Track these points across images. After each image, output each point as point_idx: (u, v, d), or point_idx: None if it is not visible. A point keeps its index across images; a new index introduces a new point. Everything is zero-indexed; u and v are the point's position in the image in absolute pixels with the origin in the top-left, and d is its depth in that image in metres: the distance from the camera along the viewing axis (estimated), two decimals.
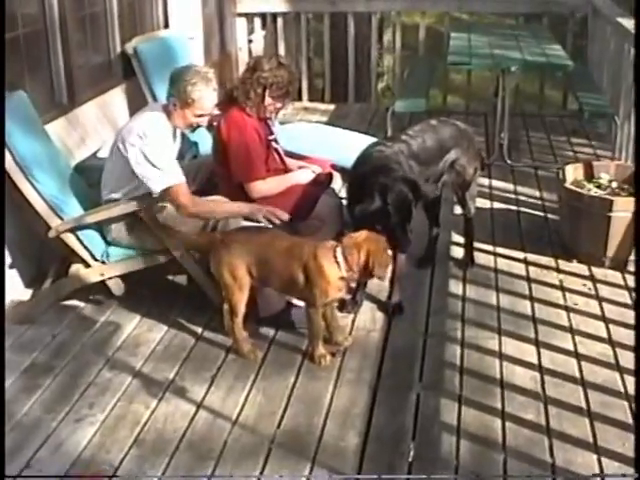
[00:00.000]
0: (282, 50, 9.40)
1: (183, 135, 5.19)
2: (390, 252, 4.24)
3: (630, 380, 4.05)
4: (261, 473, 3.44)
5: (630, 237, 5.13)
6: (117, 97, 6.48)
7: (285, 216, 4.42)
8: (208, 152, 5.18)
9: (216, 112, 4.70)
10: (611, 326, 4.60)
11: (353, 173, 4.59)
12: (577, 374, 4.17)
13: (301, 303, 4.38)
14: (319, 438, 3.68)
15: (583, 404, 3.92)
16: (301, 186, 4.82)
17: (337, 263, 4.07)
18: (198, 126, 4.62)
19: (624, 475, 3.30)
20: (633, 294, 4.94)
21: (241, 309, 4.25)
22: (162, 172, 4.40)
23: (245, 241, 4.23)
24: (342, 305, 4.73)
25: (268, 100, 4.67)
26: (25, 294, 4.97)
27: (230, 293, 4.22)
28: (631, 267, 5.21)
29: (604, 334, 4.54)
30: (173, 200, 4.45)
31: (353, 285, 4.63)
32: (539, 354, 4.34)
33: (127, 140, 4.45)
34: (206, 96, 4.47)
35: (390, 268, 4.53)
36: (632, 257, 5.21)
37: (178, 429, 3.75)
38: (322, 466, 3.49)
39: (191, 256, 4.62)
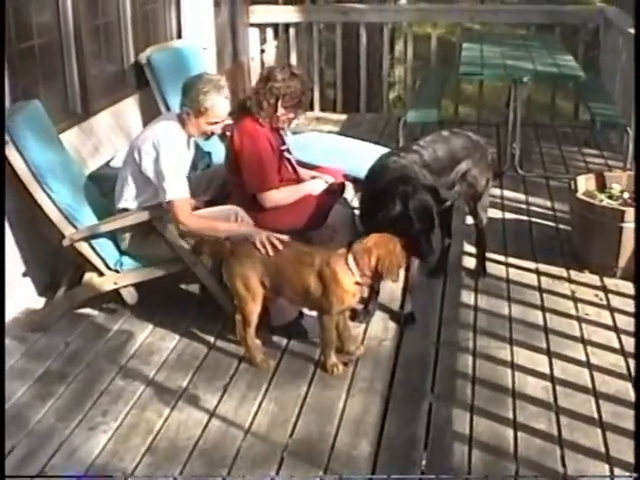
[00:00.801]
0: (294, 60, 9.44)
1: (196, 145, 5.22)
2: (405, 259, 4.23)
3: None
4: None
5: None
6: (131, 107, 6.51)
7: (284, 238, 4.36)
8: (221, 162, 5.21)
9: (229, 121, 4.72)
10: (623, 336, 4.60)
11: (368, 184, 4.59)
12: (589, 384, 4.17)
13: (313, 312, 4.38)
14: (331, 447, 3.69)
15: (595, 414, 3.92)
16: (314, 196, 4.83)
17: (350, 269, 4.09)
18: (212, 134, 4.65)
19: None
20: None
21: (254, 319, 4.27)
22: (169, 183, 4.43)
23: (255, 252, 4.24)
24: (354, 315, 4.75)
25: (281, 110, 4.69)
26: (39, 302, 4.99)
27: (243, 303, 4.24)
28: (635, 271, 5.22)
29: (616, 344, 4.54)
30: (172, 214, 4.47)
31: (366, 290, 4.64)
32: (551, 364, 4.34)
33: (142, 149, 4.49)
34: (219, 104, 4.51)
35: (402, 272, 4.55)
36: None
37: (191, 437, 3.76)
38: (334, 475, 3.49)
39: (204, 265, 4.64)
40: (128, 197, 4.62)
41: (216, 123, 4.57)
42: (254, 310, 4.24)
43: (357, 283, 4.13)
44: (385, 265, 4.07)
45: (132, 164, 4.56)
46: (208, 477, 3.46)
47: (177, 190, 4.46)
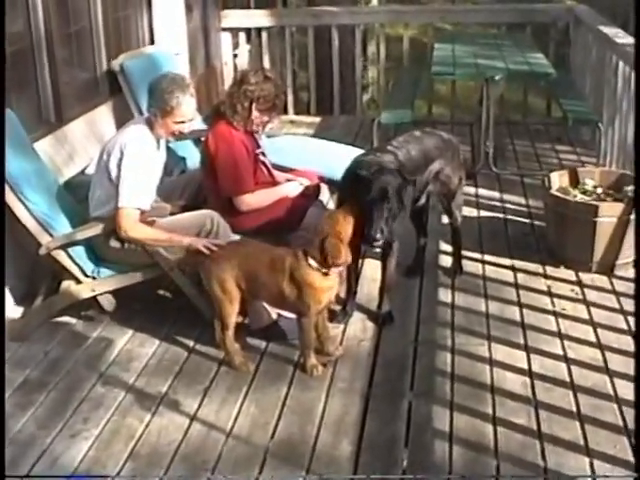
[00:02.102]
0: (267, 64, 9.43)
1: (170, 149, 5.23)
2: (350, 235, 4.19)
3: (620, 383, 4.10)
4: None
5: (616, 242, 5.20)
6: (104, 114, 6.50)
7: (221, 243, 4.42)
8: (196, 167, 5.22)
9: (200, 124, 4.73)
10: (599, 330, 4.64)
11: (343, 183, 4.59)
12: (567, 378, 4.20)
13: (291, 315, 4.40)
14: (313, 447, 3.70)
15: (574, 408, 3.96)
16: (289, 198, 4.86)
17: (311, 265, 4.11)
18: (181, 134, 4.65)
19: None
20: (621, 298, 4.99)
21: (232, 322, 4.28)
22: (124, 189, 4.44)
23: (231, 255, 4.26)
24: (333, 315, 4.76)
25: (255, 113, 4.71)
26: (16, 312, 4.97)
27: (221, 306, 4.25)
28: (618, 271, 5.26)
29: (593, 338, 4.58)
30: (116, 220, 4.47)
31: (341, 280, 4.63)
32: (529, 359, 4.37)
33: (110, 153, 4.51)
34: (184, 102, 4.53)
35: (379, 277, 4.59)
36: (619, 261, 5.26)
37: (172, 442, 3.76)
38: (316, 475, 3.50)
39: (181, 270, 4.65)
40: (99, 204, 4.62)
41: (183, 122, 4.58)
42: (232, 313, 4.26)
43: (326, 274, 4.15)
44: (330, 243, 4.07)
45: (102, 170, 4.57)
46: (193, 477, 3.46)
47: (130, 198, 4.46)
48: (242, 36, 9.73)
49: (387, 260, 4.73)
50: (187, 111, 4.56)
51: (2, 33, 4.68)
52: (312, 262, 4.11)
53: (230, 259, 4.23)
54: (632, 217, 5.14)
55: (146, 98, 4.68)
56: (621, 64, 6.82)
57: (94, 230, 4.60)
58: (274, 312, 4.57)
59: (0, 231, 4.55)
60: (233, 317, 4.28)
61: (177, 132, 4.63)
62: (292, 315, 4.36)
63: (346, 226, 4.11)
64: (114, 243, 4.62)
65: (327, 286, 4.18)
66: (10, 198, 4.52)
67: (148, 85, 4.61)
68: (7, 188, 4.50)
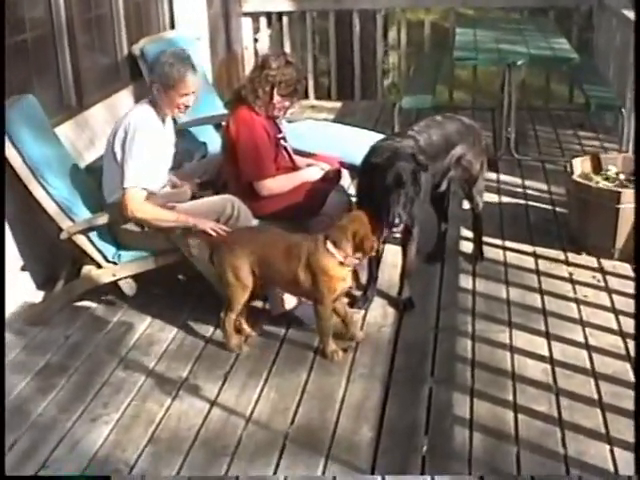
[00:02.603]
0: (288, 48, 9.42)
1: (191, 134, 5.23)
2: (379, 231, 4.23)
3: None
4: (276, 468, 3.47)
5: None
6: (125, 99, 6.50)
7: (227, 229, 4.45)
8: (217, 152, 5.21)
9: (221, 109, 4.71)
10: (621, 317, 4.61)
11: (363, 167, 4.57)
12: (588, 366, 4.18)
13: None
14: (333, 433, 3.70)
15: (595, 395, 3.93)
16: (310, 183, 4.84)
17: (331, 253, 4.11)
18: (187, 107, 4.64)
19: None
20: None
21: (238, 307, 4.31)
22: (129, 170, 4.45)
23: (247, 242, 4.26)
24: (353, 301, 4.76)
25: (276, 98, 4.69)
26: (37, 296, 5.00)
27: (230, 291, 4.26)
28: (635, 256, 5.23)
29: (614, 326, 4.55)
30: (123, 201, 4.48)
31: (360, 267, 4.64)
32: (550, 346, 4.35)
33: (116, 136, 4.53)
34: (186, 74, 4.53)
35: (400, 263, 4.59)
36: None
37: (192, 427, 3.77)
38: (336, 461, 3.51)
39: (202, 255, 4.65)
40: (112, 190, 4.62)
41: (187, 94, 4.57)
42: (240, 300, 4.28)
43: (341, 264, 4.14)
44: (360, 237, 4.10)
45: (109, 154, 4.59)
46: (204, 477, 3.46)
47: (135, 179, 4.46)
48: (263, 21, 9.72)
49: (407, 246, 4.72)
50: (190, 83, 4.56)
51: (2, 33, 4.67)
52: (331, 248, 4.11)
53: (245, 246, 4.22)
54: None
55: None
56: None
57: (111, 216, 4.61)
58: (294, 298, 4.57)
59: (0, 229, 4.58)
60: (240, 303, 4.30)
61: (182, 106, 4.61)
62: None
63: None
64: (133, 227, 4.63)
65: (341, 275, 4.18)
66: (31, 183, 4.54)
67: (149, 62, 4.61)
68: (28, 173, 4.52)
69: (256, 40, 9.61)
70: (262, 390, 4.05)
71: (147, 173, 4.50)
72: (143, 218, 4.53)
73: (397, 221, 4.22)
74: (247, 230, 4.46)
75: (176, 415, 3.87)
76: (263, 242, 4.27)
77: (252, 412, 3.87)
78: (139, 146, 4.47)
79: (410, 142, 4.58)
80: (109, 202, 4.65)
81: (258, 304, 4.72)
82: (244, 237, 4.32)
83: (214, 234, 4.39)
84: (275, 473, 3.44)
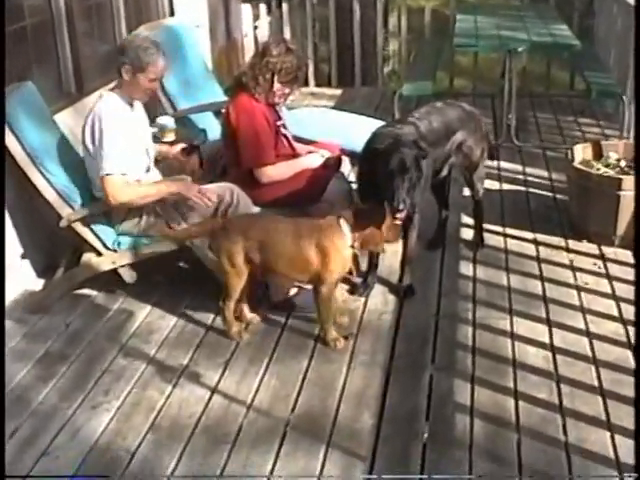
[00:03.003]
0: (288, 36, 9.39)
1: (191, 121, 5.21)
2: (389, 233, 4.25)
3: None
4: (277, 456, 3.47)
5: None
6: None
7: (214, 198, 4.49)
8: (216, 139, 5.20)
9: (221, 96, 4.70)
10: (622, 304, 4.61)
11: (364, 154, 4.57)
12: (589, 353, 4.18)
13: (308, 286, 4.39)
14: (334, 420, 3.70)
15: (595, 382, 3.93)
16: (310, 170, 4.83)
17: (344, 234, 4.13)
18: (153, 92, 4.68)
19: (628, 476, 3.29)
20: None
21: (235, 294, 4.29)
22: (104, 159, 4.43)
23: (246, 228, 4.25)
24: (353, 288, 4.76)
25: (277, 85, 4.68)
26: (38, 284, 4.99)
27: (227, 278, 4.25)
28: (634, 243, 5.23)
29: (615, 312, 4.55)
30: (103, 189, 4.47)
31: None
32: (551, 333, 4.35)
33: (86, 130, 4.52)
34: (158, 59, 4.53)
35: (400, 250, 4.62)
36: None
37: (193, 414, 3.77)
38: (337, 448, 3.51)
39: (202, 243, 4.64)
40: (95, 183, 4.61)
41: (155, 80, 4.58)
42: (237, 286, 4.26)
43: (351, 246, 4.17)
44: (370, 236, 4.15)
45: (84, 150, 4.60)
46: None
47: (110, 165, 4.45)
48: (263, 8, 9.69)
49: (408, 233, 4.71)
50: (160, 67, 4.56)
51: (2, 32, 4.66)
52: (345, 228, 4.13)
53: (244, 232, 4.21)
54: None
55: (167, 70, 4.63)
56: None
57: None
58: (295, 286, 4.56)
59: (0, 218, 4.57)
60: (237, 290, 4.29)
61: (150, 91, 4.63)
62: (309, 287, 4.36)
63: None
64: (131, 216, 4.63)
65: (348, 257, 4.19)
66: (30, 170, 4.52)
67: (119, 45, 4.61)
68: (28, 160, 4.51)
69: (256, 27, 9.58)
70: (263, 377, 4.05)
71: (121, 159, 4.48)
72: (127, 201, 4.51)
73: (402, 206, 4.22)
74: (246, 217, 4.45)
75: (177, 403, 3.87)
76: (265, 227, 4.25)
77: (253, 399, 3.87)
78: (108, 135, 4.45)
79: (411, 129, 4.58)
80: (98, 197, 4.63)
81: (258, 291, 4.71)
82: (243, 223, 4.31)
83: (199, 202, 4.41)
84: (276, 460, 3.44)
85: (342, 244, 4.14)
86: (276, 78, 4.66)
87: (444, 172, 4.99)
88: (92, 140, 4.48)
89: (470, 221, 5.54)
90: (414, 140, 4.38)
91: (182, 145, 5.06)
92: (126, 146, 4.51)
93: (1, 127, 4.43)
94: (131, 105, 4.65)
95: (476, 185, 5.21)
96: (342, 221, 4.14)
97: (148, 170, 4.75)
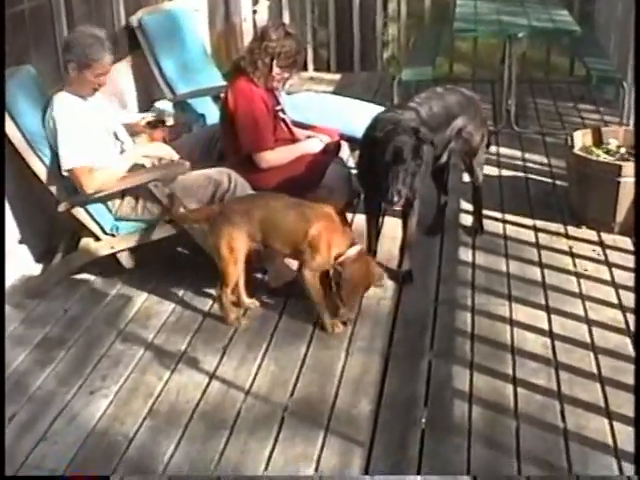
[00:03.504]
0: (286, 20, 9.37)
1: (189, 106, 5.19)
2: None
3: None
4: (275, 441, 3.46)
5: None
6: (123, 70, 6.45)
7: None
8: (211, 124, 5.20)
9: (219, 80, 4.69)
10: (621, 291, 4.60)
11: (364, 140, 4.55)
12: (588, 339, 4.17)
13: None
14: (332, 406, 3.70)
15: (594, 369, 3.93)
16: (310, 155, 4.82)
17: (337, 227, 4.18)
18: (100, 86, 4.61)
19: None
20: None
21: (233, 280, 4.29)
22: (64, 152, 4.44)
23: (246, 208, 4.24)
24: None
25: (276, 70, 4.66)
26: (36, 269, 4.98)
27: (224, 264, 4.24)
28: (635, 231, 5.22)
29: (614, 299, 4.54)
30: (76, 182, 4.48)
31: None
32: (549, 320, 4.34)
33: (46, 132, 4.51)
34: (104, 55, 4.51)
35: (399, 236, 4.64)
36: None
37: (191, 400, 3.77)
38: (335, 434, 3.51)
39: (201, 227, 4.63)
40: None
41: (101, 74, 4.55)
42: (234, 272, 4.26)
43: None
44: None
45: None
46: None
47: (73, 159, 4.45)
48: None
49: (408, 219, 4.70)
50: (106, 63, 4.54)
51: (2, 33, 4.63)
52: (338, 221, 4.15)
53: (245, 213, 4.20)
54: None
55: (165, 54, 4.66)
56: None
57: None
58: (293, 271, 4.55)
59: (0, 231, 4.56)
60: (235, 276, 4.28)
61: (97, 85, 4.59)
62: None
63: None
64: (129, 200, 4.62)
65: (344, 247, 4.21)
66: (28, 155, 4.50)
67: (64, 41, 4.58)
68: (25, 145, 4.48)
69: (255, 12, 9.54)
70: (261, 363, 4.04)
71: (81, 151, 4.46)
72: (100, 187, 4.50)
73: (396, 199, 4.24)
74: (243, 198, 4.44)
75: (175, 388, 3.86)
76: (265, 203, 4.26)
77: (251, 385, 3.87)
78: (62, 132, 4.44)
79: (412, 114, 4.56)
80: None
81: (257, 276, 4.70)
82: (241, 204, 4.29)
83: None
84: (274, 446, 3.44)
85: (337, 235, 4.15)
86: (275, 62, 4.64)
87: (444, 158, 4.97)
88: (54, 140, 4.47)
89: (469, 207, 5.53)
90: (413, 127, 4.36)
91: (148, 118, 5.05)
92: (85, 137, 4.50)
93: (1, 114, 4.40)
94: (83, 98, 4.62)
95: (476, 171, 5.20)
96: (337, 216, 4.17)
97: (122, 151, 4.77)
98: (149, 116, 5.23)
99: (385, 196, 4.23)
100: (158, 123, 5.06)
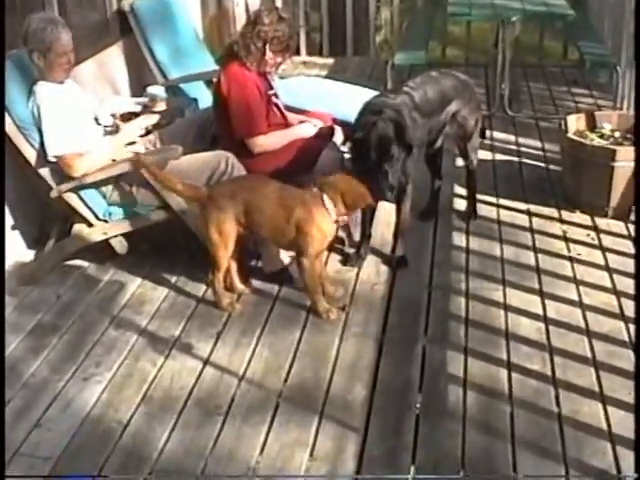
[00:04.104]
0: (279, 4, 9.32)
1: (182, 91, 5.17)
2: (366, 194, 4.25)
3: (635, 329, 4.06)
4: (269, 428, 3.46)
5: (633, 187, 5.12)
6: (115, 55, 6.42)
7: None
8: (206, 108, 5.18)
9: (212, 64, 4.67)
10: (615, 276, 4.61)
11: (356, 125, 4.54)
12: (582, 324, 4.17)
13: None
14: (326, 392, 3.69)
15: (588, 354, 3.93)
16: (303, 140, 4.80)
17: (327, 209, 4.12)
18: (70, 68, 4.60)
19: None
20: (637, 244, 4.94)
21: (224, 265, 4.28)
22: (48, 139, 4.44)
23: (234, 192, 4.22)
24: (346, 259, 4.75)
25: (269, 54, 4.63)
26: (28, 255, 4.97)
27: (215, 248, 4.23)
28: (634, 217, 5.21)
29: (608, 284, 4.54)
30: (64, 168, 4.48)
31: (352, 225, 4.74)
32: (544, 305, 4.34)
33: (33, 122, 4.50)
34: (60, 33, 4.48)
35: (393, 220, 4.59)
36: (635, 207, 5.19)
37: (185, 386, 3.76)
38: (330, 419, 3.50)
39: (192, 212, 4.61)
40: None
41: (65, 53, 4.52)
42: (225, 256, 4.25)
43: (335, 222, 4.16)
44: (350, 197, 4.14)
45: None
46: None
47: (59, 145, 4.45)
48: None
49: (402, 203, 4.69)
50: (65, 42, 4.51)
51: (2, 33, 4.60)
52: (328, 205, 4.10)
53: (231, 196, 4.18)
54: None
55: (157, 38, 4.63)
56: None
57: (105, 173, 4.57)
58: (287, 256, 4.55)
59: (0, 233, 4.54)
60: (226, 259, 4.27)
61: (66, 66, 4.56)
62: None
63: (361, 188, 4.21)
64: (122, 186, 4.60)
65: (331, 232, 4.19)
66: (20, 141, 4.49)
67: (22, 33, 4.53)
68: (16, 131, 4.47)
69: None
70: (255, 349, 4.03)
71: (68, 137, 4.46)
72: (88, 169, 4.50)
73: (389, 196, 4.33)
74: (232, 180, 4.43)
75: (169, 374, 3.86)
76: (251, 188, 4.24)
77: (245, 371, 3.86)
78: (48, 118, 4.43)
79: (405, 98, 4.54)
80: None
81: (250, 262, 4.70)
82: (230, 189, 4.27)
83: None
84: (268, 432, 3.43)
85: (322, 220, 4.13)
86: (268, 47, 4.61)
87: (438, 142, 4.96)
88: (39, 129, 4.46)
89: (463, 192, 5.52)
90: (394, 119, 4.34)
91: (126, 110, 5.04)
92: (69, 123, 4.49)
93: (1, 111, 4.39)
94: (61, 83, 4.60)
95: (470, 155, 5.19)
96: (325, 197, 4.12)
97: (109, 132, 4.81)
98: (133, 104, 5.21)
99: (378, 192, 4.24)
100: (132, 115, 5.05)
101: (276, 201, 4.18)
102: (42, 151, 4.50)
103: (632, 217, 5.21)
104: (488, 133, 6.56)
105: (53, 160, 4.48)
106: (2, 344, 3.93)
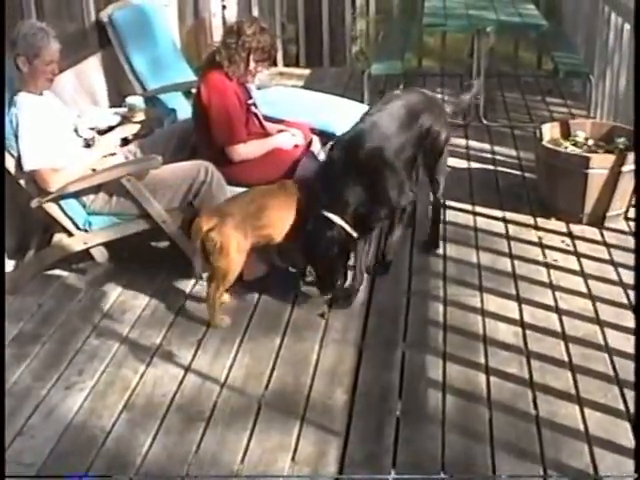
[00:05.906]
0: (255, 15, 9.36)
1: (160, 101, 5.19)
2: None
3: (610, 333, 4.15)
4: (251, 433, 3.49)
5: (607, 193, 5.22)
6: (93, 66, 6.43)
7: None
8: (185, 118, 5.20)
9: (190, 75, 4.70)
10: (590, 281, 4.67)
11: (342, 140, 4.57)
12: (558, 328, 4.23)
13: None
14: (307, 397, 3.73)
15: (565, 357, 3.99)
16: (281, 149, 4.84)
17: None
18: (54, 76, 4.61)
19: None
20: (611, 250, 5.02)
21: (233, 280, 4.29)
22: (25, 153, 4.45)
23: (240, 209, 4.27)
24: None
25: (252, 64, 4.68)
26: (8, 265, 4.96)
27: (235, 267, 4.23)
28: (608, 223, 5.29)
29: (583, 289, 4.60)
30: (40, 182, 4.51)
31: None
32: (520, 310, 4.40)
33: (9, 133, 4.50)
34: (49, 41, 4.51)
35: None
36: (609, 213, 5.28)
37: (167, 393, 3.78)
38: (311, 424, 3.54)
39: (173, 222, 4.64)
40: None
41: (52, 62, 4.54)
42: (237, 271, 4.26)
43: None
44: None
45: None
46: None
47: (36, 159, 4.47)
48: None
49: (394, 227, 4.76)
50: (54, 50, 4.53)
51: (2, 34, 4.62)
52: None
53: (237, 214, 4.22)
54: (623, 169, 5.15)
55: (136, 49, 4.60)
56: (613, 15, 6.78)
57: (86, 182, 4.59)
58: (266, 264, 4.58)
59: (0, 234, 4.56)
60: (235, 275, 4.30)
61: (49, 74, 4.57)
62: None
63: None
64: (102, 195, 4.62)
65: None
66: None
67: (10, 38, 4.55)
68: None
69: (224, 7, 9.52)
70: (236, 356, 4.06)
71: (45, 151, 4.48)
72: (63, 185, 4.52)
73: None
74: (231, 200, 4.47)
75: (151, 381, 3.88)
76: (251, 199, 4.35)
77: (226, 378, 3.89)
78: (26, 131, 4.44)
79: (371, 130, 4.50)
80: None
81: None
82: (235, 207, 4.31)
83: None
84: (250, 437, 3.47)
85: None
86: (252, 57, 4.66)
87: (415, 153, 4.89)
88: (16, 141, 4.46)
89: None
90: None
91: (105, 126, 5.07)
92: (47, 137, 4.51)
93: (1, 117, 4.42)
94: (42, 94, 4.62)
95: (438, 178, 4.97)
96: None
97: (88, 145, 4.83)
98: (112, 115, 5.24)
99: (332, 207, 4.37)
100: (107, 131, 5.08)
101: (278, 197, 4.34)
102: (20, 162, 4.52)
103: (606, 224, 5.28)
104: (464, 142, 6.65)
105: (29, 170, 4.48)
106: (2, 344, 3.95)
